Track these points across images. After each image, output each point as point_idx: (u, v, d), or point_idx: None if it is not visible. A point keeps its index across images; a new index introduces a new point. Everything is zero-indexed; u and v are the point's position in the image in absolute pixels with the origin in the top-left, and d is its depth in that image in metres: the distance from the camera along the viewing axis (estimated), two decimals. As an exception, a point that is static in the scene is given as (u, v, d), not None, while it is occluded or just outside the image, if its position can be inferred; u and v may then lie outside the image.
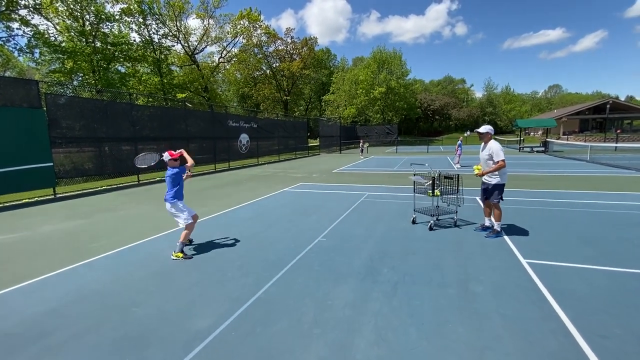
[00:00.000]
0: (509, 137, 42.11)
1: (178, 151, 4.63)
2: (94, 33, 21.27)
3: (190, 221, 4.53)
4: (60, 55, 19.82)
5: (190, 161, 4.68)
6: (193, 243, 4.95)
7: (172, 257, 4.36)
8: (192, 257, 4.41)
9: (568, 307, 2.97)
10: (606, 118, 41.10)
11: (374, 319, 2.88)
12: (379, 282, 3.58)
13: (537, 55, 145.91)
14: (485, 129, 5.09)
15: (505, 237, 4.91)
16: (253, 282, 3.63)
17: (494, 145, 4.91)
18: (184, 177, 4.60)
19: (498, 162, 4.78)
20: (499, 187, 4.90)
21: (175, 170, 4.50)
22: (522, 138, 29.11)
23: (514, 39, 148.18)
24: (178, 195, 4.49)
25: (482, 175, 4.98)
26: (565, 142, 27.04)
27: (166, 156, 4.48)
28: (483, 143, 5.14)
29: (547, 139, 25.58)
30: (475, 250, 4.47)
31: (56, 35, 20.83)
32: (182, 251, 4.41)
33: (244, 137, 20.12)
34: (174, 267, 4.11)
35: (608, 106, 40.01)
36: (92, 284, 3.70)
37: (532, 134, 52.19)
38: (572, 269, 3.78)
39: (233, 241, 5.09)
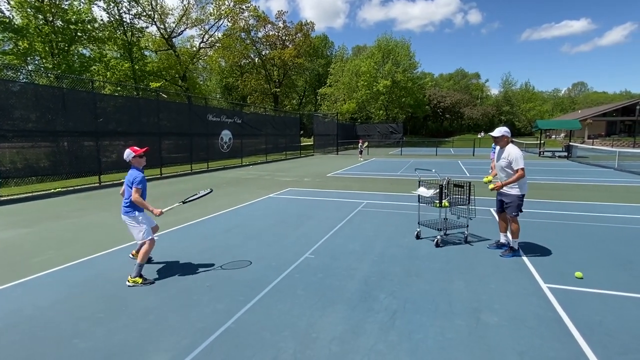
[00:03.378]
0: (528, 140, 42.55)
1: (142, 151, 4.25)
2: (53, 10, 20.94)
3: (150, 236, 4.18)
4: (13, 35, 19.41)
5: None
6: (153, 261, 4.69)
7: (127, 283, 3.98)
8: (154, 282, 4.06)
9: (597, 345, 2.85)
10: (636, 121, 41.78)
11: (367, 357, 2.72)
12: (374, 310, 3.43)
13: (559, 48, 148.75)
14: (500, 131, 4.99)
15: (523, 257, 4.83)
16: (224, 309, 3.45)
17: (513, 151, 4.82)
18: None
19: (517, 170, 4.69)
20: (519, 199, 4.81)
21: (140, 174, 4.12)
22: (542, 141, 29.43)
23: (533, 30, 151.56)
24: (136, 206, 4.11)
25: (500, 188, 4.87)
26: (591, 146, 27.36)
27: (128, 153, 4.14)
28: (498, 148, 5.05)
29: (571, 143, 25.86)
30: (488, 271, 4.37)
31: (7, 11, 20.43)
32: (140, 275, 4.03)
33: (226, 134, 19.93)
34: (129, 289, 3.91)
35: (638, 107, 40.67)
36: (27, 308, 3.48)
37: (553, 136, 52.85)
38: (601, 297, 3.68)
39: (204, 257, 4.90)
